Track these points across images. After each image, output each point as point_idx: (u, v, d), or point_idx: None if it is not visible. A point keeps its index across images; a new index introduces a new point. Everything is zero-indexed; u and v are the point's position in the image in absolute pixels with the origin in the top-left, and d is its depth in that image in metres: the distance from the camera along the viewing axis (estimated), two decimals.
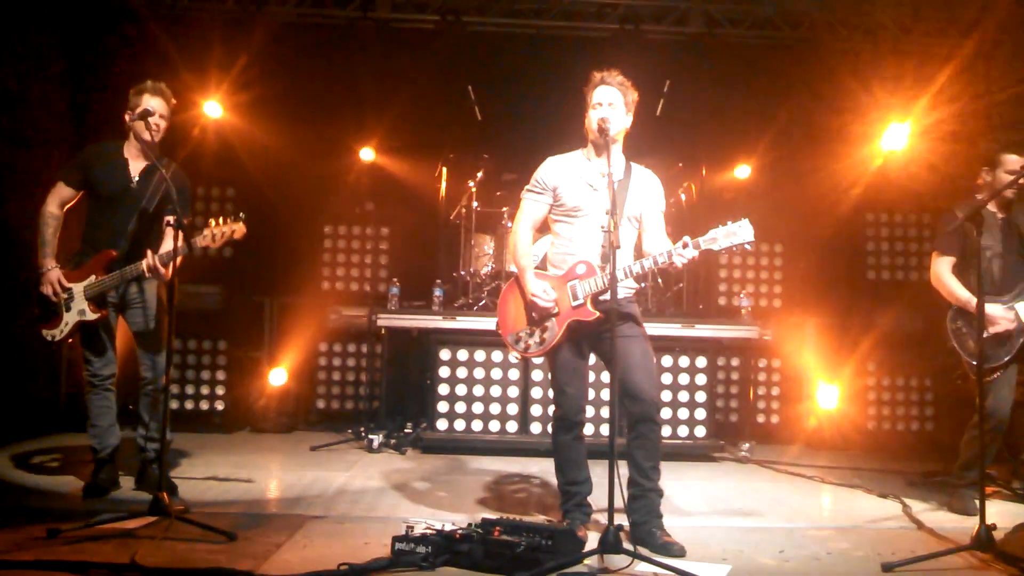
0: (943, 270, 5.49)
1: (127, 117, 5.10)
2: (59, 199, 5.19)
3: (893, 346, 8.35)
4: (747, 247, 4.43)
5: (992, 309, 5.19)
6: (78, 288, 5.07)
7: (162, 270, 4.91)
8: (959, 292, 5.35)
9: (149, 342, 5.21)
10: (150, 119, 5.00)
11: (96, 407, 5.25)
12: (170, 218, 4.74)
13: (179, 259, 4.60)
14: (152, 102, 5.06)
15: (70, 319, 5.08)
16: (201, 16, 8.52)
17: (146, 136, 5.02)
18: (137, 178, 5.16)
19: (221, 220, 4.91)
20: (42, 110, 7.77)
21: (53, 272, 5.08)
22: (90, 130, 7.77)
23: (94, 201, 5.20)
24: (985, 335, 4.92)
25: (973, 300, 5.05)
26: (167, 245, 5.00)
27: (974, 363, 5.08)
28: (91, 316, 5.07)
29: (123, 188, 5.13)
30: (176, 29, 8.25)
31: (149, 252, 4.92)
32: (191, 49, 8.13)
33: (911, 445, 8.12)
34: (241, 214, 4.94)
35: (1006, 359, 5.22)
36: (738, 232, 4.38)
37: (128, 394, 5.63)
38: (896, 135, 8.12)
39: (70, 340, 5.15)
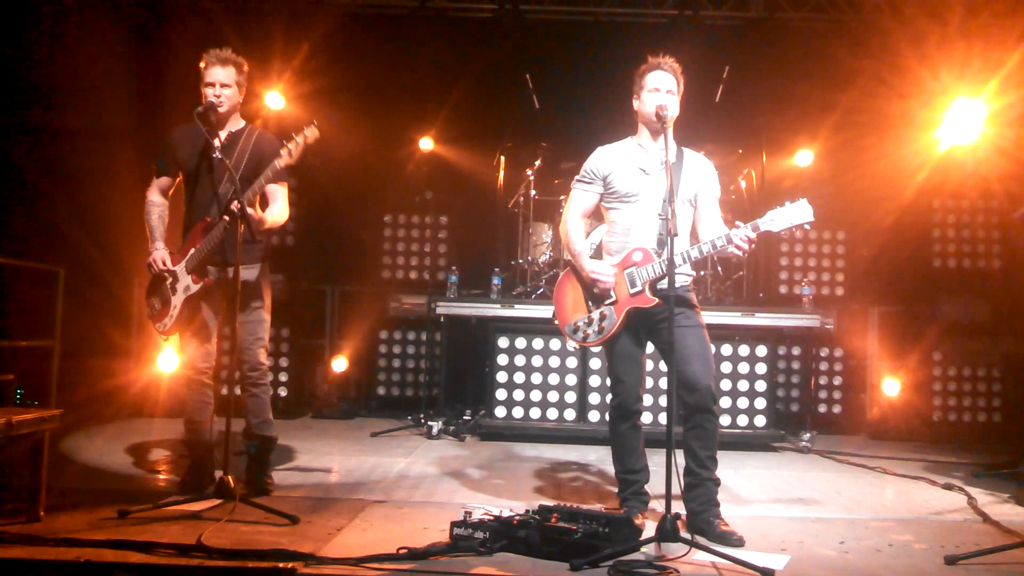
0: None
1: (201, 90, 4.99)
2: (157, 187, 5.09)
3: (960, 335, 8.17)
4: (806, 227, 4.35)
5: None
6: (181, 266, 4.90)
7: (251, 212, 4.66)
8: None
9: (248, 332, 4.99)
10: (208, 92, 4.90)
11: (192, 401, 4.98)
12: (234, 206, 4.62)
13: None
14: (215, 73, 4.92)
15: (177, 301, 4.89)
16: (263, 7, 8.66)
17: (212, 118, 4.91)
18: (219, 150, 4.89)
19: (293, 135, 4.74)
20: (106, 103, 7.96)
21: (159, 252, 4.93)
22: (155, 121, 7.96)
23: (187, 184, 5.06)
24: None
25: None
26: (272, 209, 4.93)
27: None
28: (194, 288, 4.85)
29: (208, 160, 4.93)
30: (239, 20, 8.39)
31: (237, 202, 4.64)
32: (253, 40, 8.26)
33: (977, 436, 7.94)
34: (314, 121, 4.76)
35: None
36: (797, 212, 4.30)
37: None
38: (963, 119, 7.91)
39: (174, 331, 4.95)
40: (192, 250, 4.89)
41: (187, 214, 5.06)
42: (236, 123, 5.09)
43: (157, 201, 5.09)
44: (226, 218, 4.68)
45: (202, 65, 4.98)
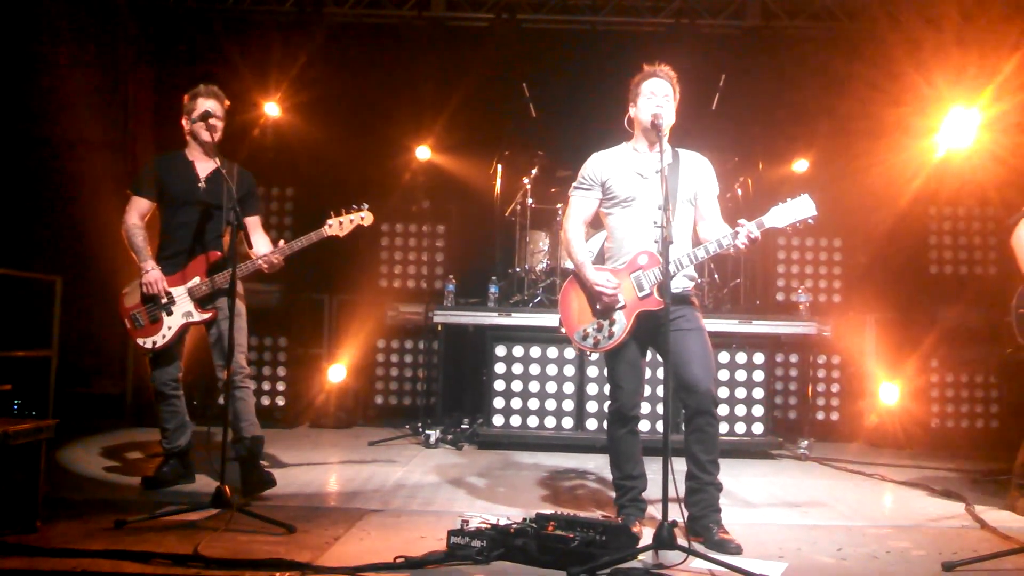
0: None
1: (184, 122, 5.24)
2: (137, 211, 5.25)
3: (957, 342, 8.17)
4: (810, 221, 4.34)
5: None
6: (180, 291, 5.12)
7: (275, 260, 5.07)
8: None
9: (224, 346, 5.09)
10: (209, 120, 5.13)
11: (164, 412, 5.32)
12: (231, 218, 4.72)
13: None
14: (208, 104, 5.17)
15: (173, 323, 5.12)
16: (261, 18, 8.69)
17: (205, 137, 5.16)
18: (204, 180, 5.22)
19: (345, 210, 5.17)
20: (100, 114, 7.97)
21: (155, 272, 5.10)
22: (148, 132, 7.98)
23: (167, 208, 5.26)
24: None
25: None
26: (261, 242, 5.24)
27: None
28: (199, 317, 5.15)
29: (193, 191, 5.19)
30: (237, 30, 8.43)
31: (266, 248, 5.11)
32: (251, 51, 8.29)
33: (975, 443, 7.94)
34: (366, 204, 5.19)
35: None
36: (799, 207, 4.32)
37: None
38: (959, 127, 7.93)
39: (164, 348, 5.18)
40: (198, 279, 5.13)
41: (166, 236, 5.27)
42: (215, 160, 5.20)
43: (139, 224, 5.27)
44: (262, 263, 5.05)
45: (190, 98, 5.24)
